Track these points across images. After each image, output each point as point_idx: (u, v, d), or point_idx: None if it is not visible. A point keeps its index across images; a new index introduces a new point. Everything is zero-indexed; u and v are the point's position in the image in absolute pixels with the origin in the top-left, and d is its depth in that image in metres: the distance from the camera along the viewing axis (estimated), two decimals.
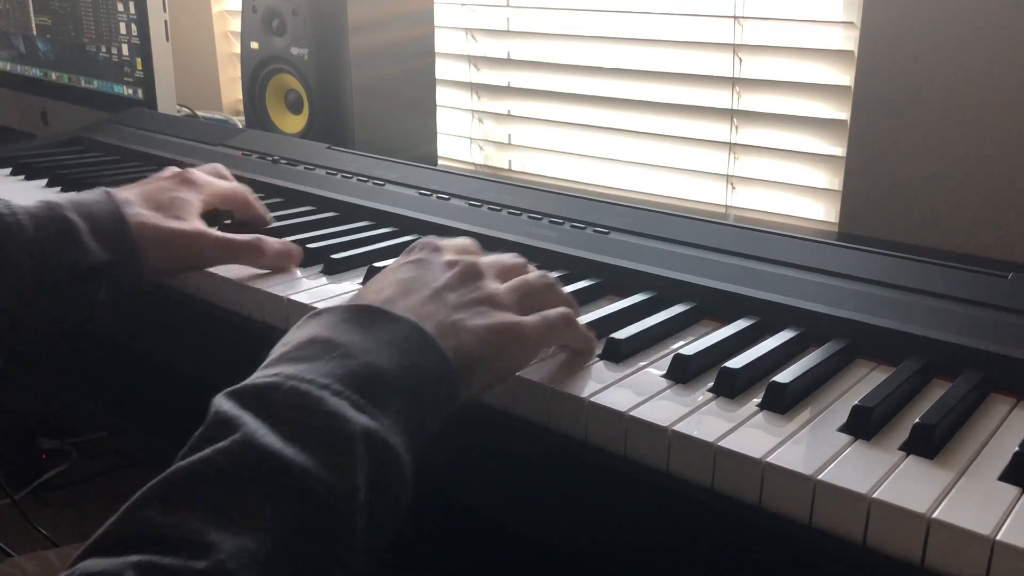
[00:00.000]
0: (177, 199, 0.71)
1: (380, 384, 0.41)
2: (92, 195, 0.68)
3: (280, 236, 0.76)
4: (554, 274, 0.69)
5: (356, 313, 0.45)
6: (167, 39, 1.24)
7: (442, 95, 1.33)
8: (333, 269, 0.71)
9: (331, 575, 0.36)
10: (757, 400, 0.51)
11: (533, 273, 0.56)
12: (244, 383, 0.40)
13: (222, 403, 0.38)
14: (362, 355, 0.42)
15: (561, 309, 0.53)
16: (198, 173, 0.77)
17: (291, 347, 0.43)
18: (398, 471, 0.40)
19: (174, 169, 0.77)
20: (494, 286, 0.52)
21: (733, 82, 1.14)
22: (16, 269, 0.62)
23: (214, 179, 0.78)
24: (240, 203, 0.79)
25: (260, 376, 0.40)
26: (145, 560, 0.32)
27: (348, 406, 0.39)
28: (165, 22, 1.24)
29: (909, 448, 0.46)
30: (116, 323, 0.80)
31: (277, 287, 0.67)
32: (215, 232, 0.70)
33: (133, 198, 0.70)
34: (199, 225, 0.70)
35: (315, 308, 0.63)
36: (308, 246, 0.74)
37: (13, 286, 0.62)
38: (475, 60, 1.39)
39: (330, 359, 0.41)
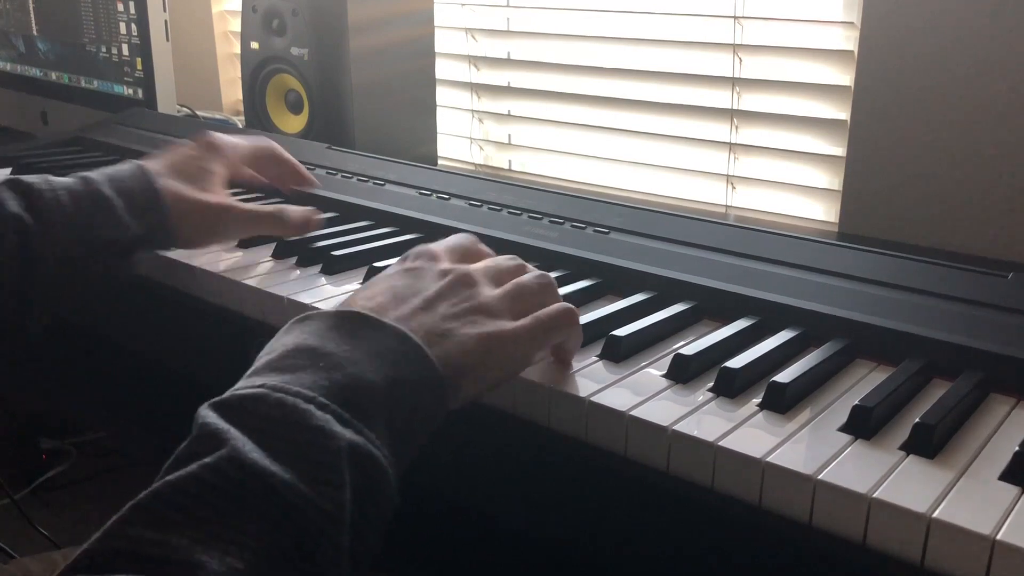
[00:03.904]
0: (203, 169, 0.73)
1: (366, 397, 0.41)
2: (126, 169, 0.70)
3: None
4: (553, 274, 0.69)
5: (344, 320, 0.44)
6: (167, 39, 1.24)
7: (442, 95, 1.33)
8: (333, 268, 0.71)
9: None
10: (757, 400, 0.51)
11: (529, 274, 0.55)
12: (229, 393, 0.39)
13: (208, 415, 0.38)
14: (349, 366, 0.41)
15: (556, 306, 0.52)
16: (221, 138, 0.77)
17: (277, 355, 0.42)
18: (383, 485, 0.40)
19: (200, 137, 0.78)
20: (487, 293, 0.51)
21: (733, 82, 1.14)
22: (57, 244, 0.64)
23: (237, 140, 0.79)
24: (267, 158, 0.81)
25: (246, 386, 0.40)
26: None
27: (334, 420, 0.38)
28: (165, 22, 1.24)
29: (909, 448, 0.46)
30: (116, 323, 0.80)
31: (278, 287, 0.67)
32: (241, 205, 0.73)
33: (162, 169, 0.71)
34: (225, 198, 0.73)
35: (315, 308, 0.63)
36: (308, 246, 0.74)
37: (55, 259, 0.64)
38: (475, 60, 1.39)
39: (316, 369, 0.41)
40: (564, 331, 0.53)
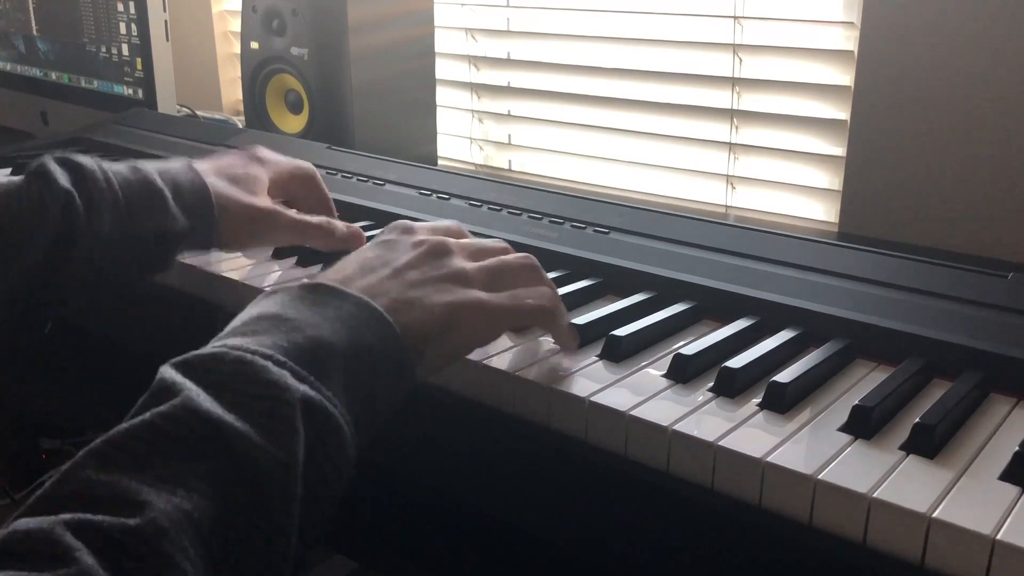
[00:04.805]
0: (249, 175, 0.72)
1: (324, 356, 0.42)
2: (176, 163, 0.69)
3: None
4: (553, 274, 0.69)
5: (308, 291, 0.46)
6: (167, 39, 1.24)
7: (442, 95, 1.33)
8: None
9: (266, 540, 0.36)
10: (757, 400, 0.51)
11: (513, 254, 0.55)
12: (190, 353, 0.40)
13: (166, 371, 0.39)
14: (308, 329, 0.43)
15: (537, 289, 0.53)
16: (265, 152, 0.77)
17: (241, 323, 0.44)
18: (339, 441, 0.40)
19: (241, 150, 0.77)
20: (462, 264, 0.52)
21: (733, 82, 1.14)
22: (103, 227, 0.62)
23: (279, 158, 0.77)
24: (305, 180, 0.78)
25: (207, 348, 0.41)
26: (76, 517, 0.32)
27: (289, 376, 0.39)
28: (165, 22, 1.24)
29: (909, 448, 0.46)
30: (116, 323, 0.80)
31: None
32: (289, 212, 0.71)
33: (210, 169, 0.70)
34: (271, 203, 0.71)
35: None
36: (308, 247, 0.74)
37: (96, 244, 0.62)
38: (475, 60, 1.39)
39: (277, 332, 0.42)
40: (542, 313, 0.53)
